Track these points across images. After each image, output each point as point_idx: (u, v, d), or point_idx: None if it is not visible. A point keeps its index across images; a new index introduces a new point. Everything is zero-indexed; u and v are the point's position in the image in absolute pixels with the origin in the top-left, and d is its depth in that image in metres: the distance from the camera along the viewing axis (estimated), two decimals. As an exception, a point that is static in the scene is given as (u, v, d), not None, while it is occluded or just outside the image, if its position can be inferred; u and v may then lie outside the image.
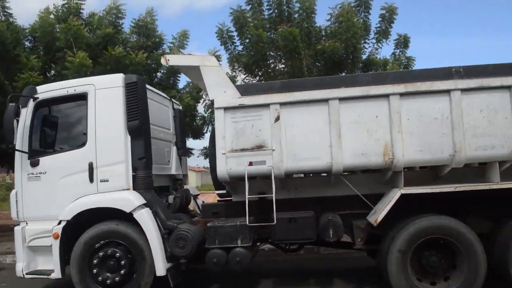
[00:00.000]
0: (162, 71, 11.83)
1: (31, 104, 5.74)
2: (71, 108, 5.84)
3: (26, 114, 5.73)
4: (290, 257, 7.35)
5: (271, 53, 11.00)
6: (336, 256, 7.69)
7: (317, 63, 10.88)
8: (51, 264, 5.50)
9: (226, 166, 5.31)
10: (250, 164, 5.27)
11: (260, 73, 11.19)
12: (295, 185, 5.89)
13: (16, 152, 5.71)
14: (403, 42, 11.38)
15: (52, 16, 10.94)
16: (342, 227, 5.37)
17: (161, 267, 5.30)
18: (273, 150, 5.22)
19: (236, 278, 6.71)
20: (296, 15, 10.55)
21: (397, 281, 4.92)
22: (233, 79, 11.21)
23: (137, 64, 10.15)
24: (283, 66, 11.08)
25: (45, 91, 5.82)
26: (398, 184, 5.18)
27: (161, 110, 6.78)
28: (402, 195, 4.96)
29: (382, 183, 5.54)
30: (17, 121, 5.60)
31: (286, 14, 10.62)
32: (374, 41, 11.20)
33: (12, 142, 5.48)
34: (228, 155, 5.30)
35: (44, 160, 5.67)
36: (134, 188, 5.53)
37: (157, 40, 11.78)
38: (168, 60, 5.51)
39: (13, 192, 5.77)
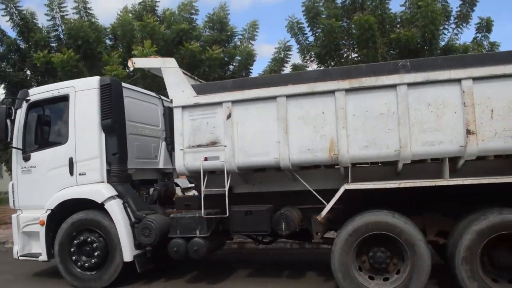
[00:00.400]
0: (234, 64, 11.95)
1: (24, 105, 6.48)
2: (57, 108, 6.47)
3: (20, 114, 6.49)
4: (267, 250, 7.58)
5: (344, 42, 10.85)
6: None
7: (392, 51, 10.49)
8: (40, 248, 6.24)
9: (183, 161, 5.65)
10: (205, 159, 5.56)
11: (332, 63, 11.01)
12: (259, 179, 6.05)
13: (13, 148, 6.50)
14: (485, 26, 10.49)
15: (130, 15, 11.33)
16: (294, 221, 5.49)
17: (128, 253, 5.80)
18: (225, 146, 5.47)
19: (212, 267, 7.09)
20: (369, 2, 10.21)
21: (343, 282, 4.97)
22: (303, 69, 11.18)
23: (213, 60, 10.25)
24: (357, 55, 10.86)
25: (36, 93, 6.53)
26: (347, 179, 5.20)
27: (148, 108, 7.27)
28: (347, 191, 5.01)
29: (342, 179, 5.57)
30: (11, 121, 6.35)
31: (360, 1, 10.31)
32: (453, 26, 10.50)
33: (5, 139, 6.25)
34: (185, 150, 5.64)
35: (34, 155, 6.40)
36: (108, 181, 6.07)
37: (228, 33, 11.94)
38: (134, 63, 5.94)
39: (10, 183, 6.58)
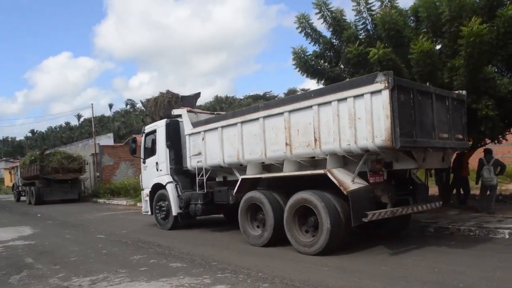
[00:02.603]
0: None
1: (144, 135, 12.78)
2: (154, 136, 12.46)
3: (143, 140, 12.83)
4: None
5: None
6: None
7: None
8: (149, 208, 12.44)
9: (190, 163, 10.66)
10: (198, 162, 10.39)
11: None
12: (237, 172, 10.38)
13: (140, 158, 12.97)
14: None
15: None
16: (233, 196, 9.61)
17: (174, 211, 11.23)
18: (202, 155, 10.15)
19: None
20: None
21: (244, 233, 8.92)
22: None
23: None
24: None
25: (147, 129, 12.73)
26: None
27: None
28: (243, 179, 8.94)
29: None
30: (135, 145, 12.74)
31: None
32: None
33: (133, 154, 12.72)
34: (191, 157, 10.63)
35: (147, 161, 12.62)
36: (170, 174, 11.64)
37: None
38: (174, 112, 11.32)
39: (140, 175, 13.07)
